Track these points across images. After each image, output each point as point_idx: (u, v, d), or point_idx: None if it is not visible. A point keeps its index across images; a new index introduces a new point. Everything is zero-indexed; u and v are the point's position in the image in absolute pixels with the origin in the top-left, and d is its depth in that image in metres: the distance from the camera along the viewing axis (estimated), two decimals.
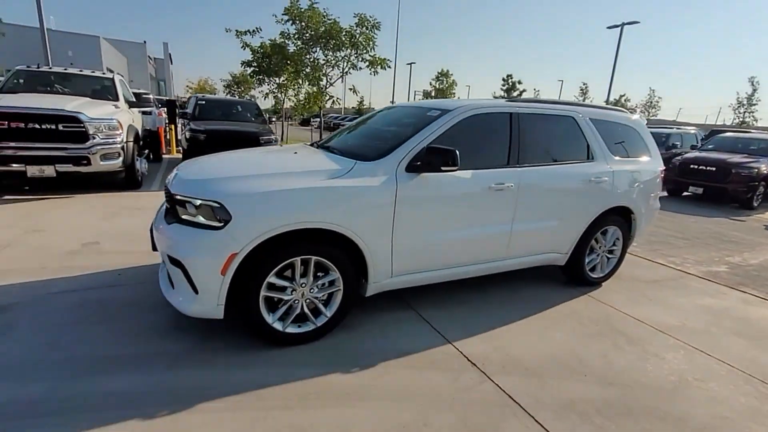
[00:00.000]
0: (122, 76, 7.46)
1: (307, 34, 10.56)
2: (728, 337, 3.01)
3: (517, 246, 3.15)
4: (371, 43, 10.78)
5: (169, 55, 42.29)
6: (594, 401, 2.17)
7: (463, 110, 2.88)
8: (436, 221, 2.72)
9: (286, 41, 10.73)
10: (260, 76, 13.23)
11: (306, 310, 2.45)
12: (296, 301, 2.41)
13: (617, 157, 3.59)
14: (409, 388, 2.16)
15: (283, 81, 12.83)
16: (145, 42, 35.39)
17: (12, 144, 5.12)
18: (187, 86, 39.67)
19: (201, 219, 2.19)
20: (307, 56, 10.90)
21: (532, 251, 3.30)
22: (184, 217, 2.25)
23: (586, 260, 3.62)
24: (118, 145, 5.74)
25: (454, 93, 35.23)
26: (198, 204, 2.18)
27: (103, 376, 2.08)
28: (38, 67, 6.61)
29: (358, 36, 10.53)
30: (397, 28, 26.93)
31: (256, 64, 12.42)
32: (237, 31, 11.83)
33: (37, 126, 5.13)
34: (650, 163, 3.84)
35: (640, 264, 4.58)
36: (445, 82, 34.58)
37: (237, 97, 24.62)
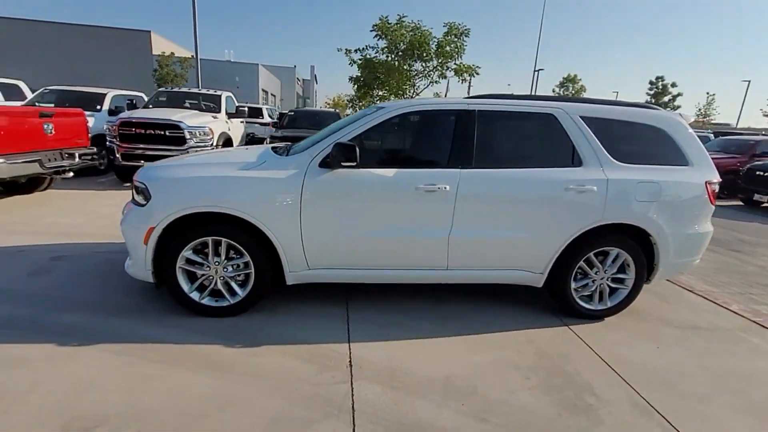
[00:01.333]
0: (232, 94, 9.11)
1: (395, 48, 11.04)
2: None
3: (462, 257, 2.86)
4: (460, 51, 10.63)
5: (315, 76, 48.69)
6: (446, 430, 1.89)
7: (392, 109, 2.80)
8: (351, 218, 2.70)
9: (378, 56, 11.41)
10: (364, 90, 14.30)
11: (219, 286, 2.74)
12: (211, 278, 2.72)
13: (623, 164, 2.91)
14: (268, 371, 2.24)
15: (383, 93, 13.56)
16: (295, 66, 41.48)
17: (140, 145, 6.84)
18: (326, 102, 44.90)
19: (138, 198, 2.70)
20: (399, 68, 11.36)
21: (488, 265, 2.93)
22: (134, 197, 2.80)
23: (574, 285, 3.02)
24: (209, 147, 7.08)
25: None
26: (136, 186, 2.70)
27: (71, 313, 2.73)
28: (172, 89, 8.62)
29: (444, 45, 10.52)
30: (539, 38, 25.59)
31: (362, 79, 13.49)
32: (346, 49, 13.09)
33: (152, 132, 6.73)
34: (686, 174, 2.98)
35: (685, 300, 3.53)
36: (571, 88, 31.09)
37: (357, 110, 26.83)
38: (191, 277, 2.73)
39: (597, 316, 3.09)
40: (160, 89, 8.55)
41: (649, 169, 2.94)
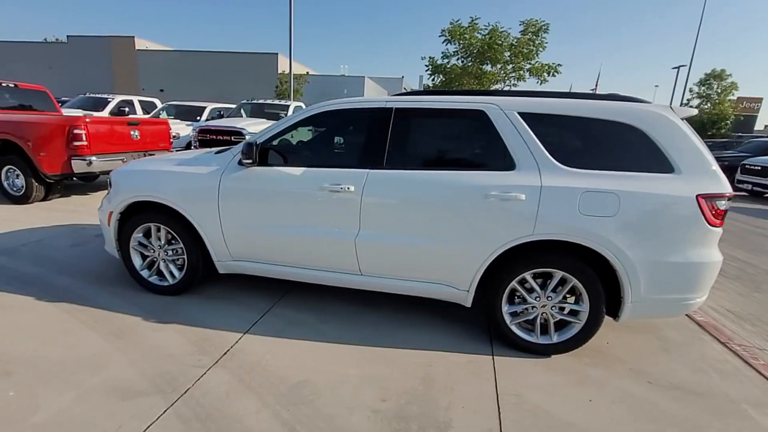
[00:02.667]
0: (301, 104, 10.02)
1: (467, 51, 10.58)
2: None
3: (373, 263, 2.70)
4: (537, 49, 9.66)
5: (425, 85, 49.59)
6: (245, 430, 1.85)
7: (311, 109, 2.80)
8: (262, 214, 2.79)
9: (448, 61, 11.11)
10: None
11: (162, 268, 3.11)
12: (155, 259, 3.11)
13: (572, 168, 2.39)
14: (153, 344, 2.48)
15: None
16: (402, 77, 42.84)
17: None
18: None
19: (108, 189, 3.24)
20: (473, 72, 10.88)
21: (403, 275, 2.70)
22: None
23: (506, 309, 2.58)
24: None
25: (729, 101, 25.04)
26: (108, 179, 3.25)
27: (69, 276, 3.42)
28: (251, 100, 9.87)
29: (520, 46, 9.68)
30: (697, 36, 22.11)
31: (437, 86, 13.37)
32: (430, 57, 13.12)
33: (222, 137, 7.83)
34: (668, 183, 2.30)
35: (693, 346, 2.64)
36: (716, 86, 25.01)
37: None
38: (144, 257, 3.17)
39: (539, 351, 2.58)
40: (242, 101, 9.92)
41: (607, 176, 2.36)
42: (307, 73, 29.49)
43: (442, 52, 10.96)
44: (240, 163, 2.80)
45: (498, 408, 2.08)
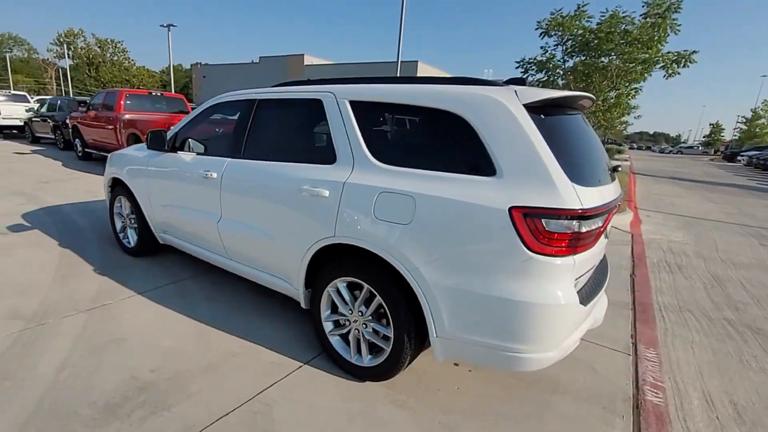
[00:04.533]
0: None
1: (569, 43, 8.95)
2: None
3: (232, 248, 2.79)
4: (662, 35, 7.51)
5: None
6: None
7: (210, 101, 3.04)
8: (166, 194, 3.20)
9: (546, 57, 9.58)
10: None
11: (129, 234, 3.84)
12: (125, 222, 3.86)
13: (385, 165, 2.03)
14: (71, 286, 3.14)
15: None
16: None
17: None
18: None
19: None
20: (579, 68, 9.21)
21: (254, 264, 2.70)
22: None
23: (324, 315, 2.33)
24: None
25: None
26: None
27: (107, 246, 4.53)
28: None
29: (640, 34, 7.69)
30: None
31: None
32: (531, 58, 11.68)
33: None
34: (476, 189, 1.74)
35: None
36: None
37: None
38: (122, 221, 3.97)
39: (353, 373, 2.25)
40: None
41: (412, 175, 1.92)
42: None
43: (542, 47, 9.62)
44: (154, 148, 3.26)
45: (231, 410, 1.96)
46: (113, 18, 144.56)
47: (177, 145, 3.14)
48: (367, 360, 2.19)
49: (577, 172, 1.76)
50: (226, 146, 2.89)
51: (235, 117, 2.89)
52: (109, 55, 57.80)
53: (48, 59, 63.06)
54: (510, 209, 1.65)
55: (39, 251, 3.85)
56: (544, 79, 10.20)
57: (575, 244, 1.67)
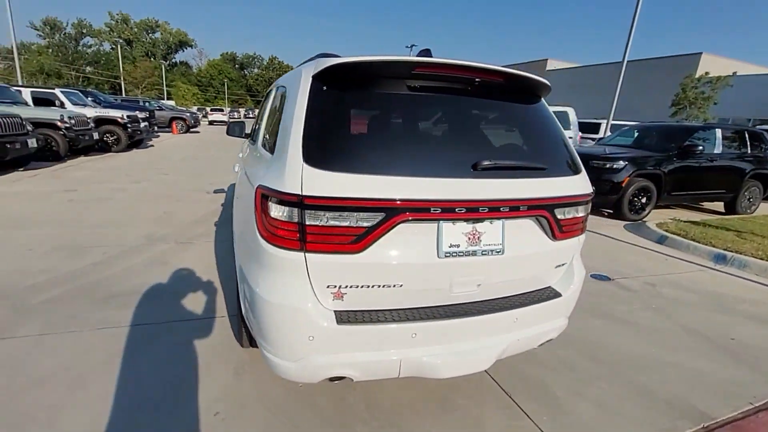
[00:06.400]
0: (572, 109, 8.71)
1: None
2: None
3: None
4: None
5: None
6: None
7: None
8: None
9: None
10: None
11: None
12: None
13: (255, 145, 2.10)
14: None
15: None
16: None
17: None
18: None
19: None
20: None
21: None
22: None
23: None
24: None
25: None
26: None
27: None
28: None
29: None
30: None
31: None
32: None
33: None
34: (264, 167, 1.60)
35: None
36: None
37: None
38: None
39: None
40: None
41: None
42: (734, 73, 21.41)
43: None
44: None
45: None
46: None
47: None
48: None
49: (361, 154, 1.37)
50: None
51: None
52: None
53: None
54: (256, 189, 1.47)
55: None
56: None
57: (305, 238, 1.32)
